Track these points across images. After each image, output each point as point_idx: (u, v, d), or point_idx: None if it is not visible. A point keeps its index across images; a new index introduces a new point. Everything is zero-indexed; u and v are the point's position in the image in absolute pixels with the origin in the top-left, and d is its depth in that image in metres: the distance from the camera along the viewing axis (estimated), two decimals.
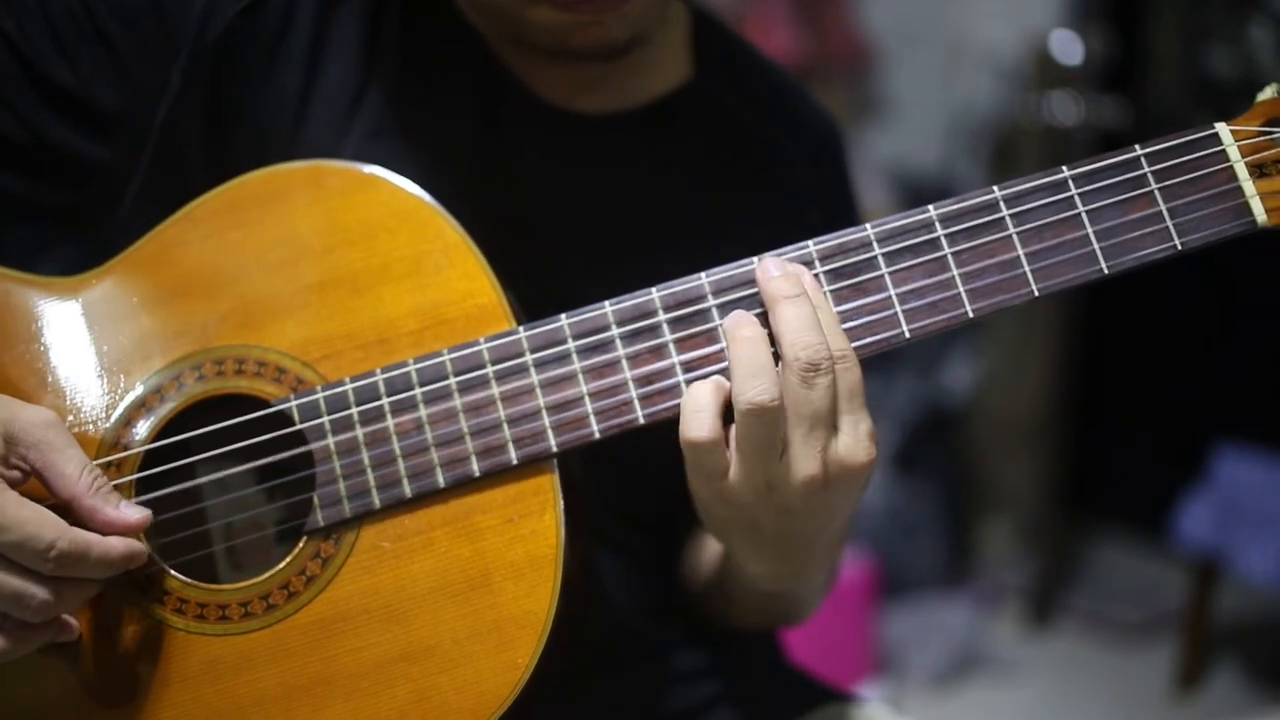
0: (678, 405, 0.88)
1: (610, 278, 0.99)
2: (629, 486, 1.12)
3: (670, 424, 0.89)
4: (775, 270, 0.88)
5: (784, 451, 0.86)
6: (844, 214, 1.20)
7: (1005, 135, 3.55)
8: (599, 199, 1.09)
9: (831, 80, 3.57)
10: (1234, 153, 0.88)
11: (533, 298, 0.98)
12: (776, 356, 0.86)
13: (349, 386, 0.90)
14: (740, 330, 0.87)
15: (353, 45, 1.04)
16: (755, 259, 0.89)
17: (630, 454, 0.98)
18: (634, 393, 0.89)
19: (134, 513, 0.85)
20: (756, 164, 1.15)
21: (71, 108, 0.99)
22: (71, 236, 1.04)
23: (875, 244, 0.89)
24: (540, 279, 1.02)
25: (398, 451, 0.90)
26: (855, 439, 0.87)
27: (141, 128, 1.00)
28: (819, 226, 1.14)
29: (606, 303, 0.90)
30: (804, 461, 0.86)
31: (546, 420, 0.89)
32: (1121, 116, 3.37)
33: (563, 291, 0.97)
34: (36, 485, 0.84)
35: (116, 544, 0.83)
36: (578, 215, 1.08)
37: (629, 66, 1.08)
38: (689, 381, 0.88)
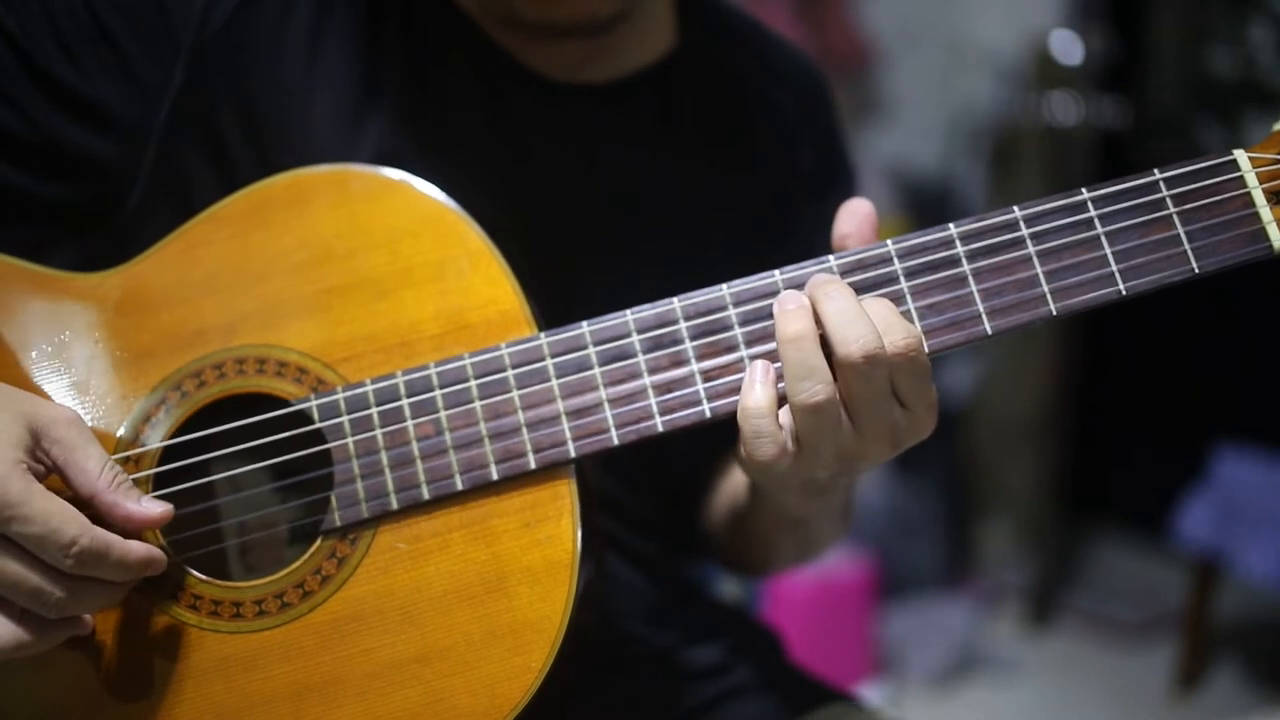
0: (697, 414, 0.88)
1: (622, 251, 1.02)
2: (636, 491, 1.12)
3: (686, 432, 0.89)
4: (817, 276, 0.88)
5: (851, 429, 0.86)
6: (835, 157, 1.22)
7: (1005, 135, 3.55)
8: (605, 172, 1.10)
9: (831, 80, 3.56)
10: (1251, 179, 0.88)
11: (557, 270, 1.00)
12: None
13: (369, 388, 0.91)
14: (786, 330, 0.85)
15: (353, 34, 1.04)
16: (776, 271, 0.89)
17: (637, 459, 0.98)
18: (653, 401, 0.89)
19: (155, 507, 0.85)
20: (750, 116, 1.17)
21: (75, 104, 1.00)
22: (75, 235, 1.04)
23: (895, 260, 0.89)
24: (558, 254, 1.05)
25: (416, 453, 0.90)
26: (922, 410, 0.87)
27: (145, 124, 1.00)
28: (813, 171, 1.17)
29: (627, 311, 0.90)
30: (874, 439, 0.86)
31: (566, 426, 0.89)
32: (1121, 116, 3.38)
33: (584, 260, 1.01)
34: (57, 484, 0.84)
35: (136, 547, 0.83)
36: (584, 194, 1.09)
37: (619, 41, 1.08)
38: (708, 392, 0.89)
